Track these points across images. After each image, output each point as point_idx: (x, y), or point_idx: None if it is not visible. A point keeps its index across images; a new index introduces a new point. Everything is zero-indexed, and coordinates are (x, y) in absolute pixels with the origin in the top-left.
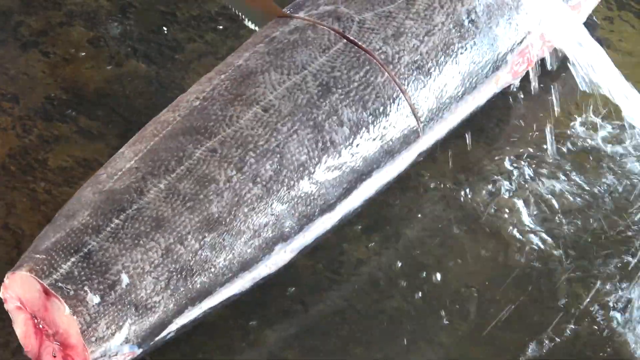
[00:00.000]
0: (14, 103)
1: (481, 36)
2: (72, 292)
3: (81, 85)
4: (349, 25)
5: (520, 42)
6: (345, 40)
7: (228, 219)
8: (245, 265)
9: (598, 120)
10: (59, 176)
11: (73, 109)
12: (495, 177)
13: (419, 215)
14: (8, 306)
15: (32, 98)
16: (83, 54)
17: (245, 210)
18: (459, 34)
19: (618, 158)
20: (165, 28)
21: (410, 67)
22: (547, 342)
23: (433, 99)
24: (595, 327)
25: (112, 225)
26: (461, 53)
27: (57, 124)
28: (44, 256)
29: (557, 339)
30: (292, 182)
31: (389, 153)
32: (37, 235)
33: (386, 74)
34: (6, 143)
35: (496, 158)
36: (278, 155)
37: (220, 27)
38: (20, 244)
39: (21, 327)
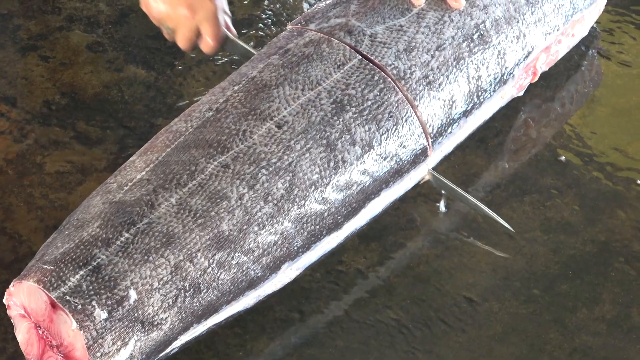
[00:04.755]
0: (12, 107)
1: (490, 51)
2: (79, 307)
3: (80, 90)
4: (360, 39)
5: (527, 57)
6: (360, 57)
7: (238, 238)
8: (252, 284)
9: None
10: (56, 181)
11: (71, 113)
12: (495, 188)
13: (418, 226)
14: (11, 313)
15: (30, 102)
16: (82, 58)
17: (256, 229)
18: (468, 48)
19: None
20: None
21: (421, 83)
22: (544, 355)
23: (443, 115)
24: (593, 341)
25: (122, 239)
26: (470, 68)
27: (55, 128)
28: (53, 267)
29: (555, 353)
30: (303, 201)
31: (398, 172)
32: (33, 240)
33: (400, 93)
34: (3, 147)
35: (496, 168)
36: (290, 174)
37: None
38: (17, 249)
39: (24, 334)
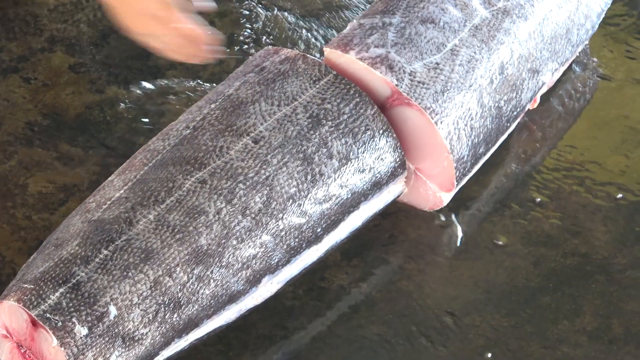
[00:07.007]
0: None
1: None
2: (60, 324)
3: (62, 111)
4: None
5: (538, 91)
6: (335, 72)
7: (217, 252)
8: (233, 298)
9: None
10: (39, 202)
11: (53, 134)
12: (476, 201)
13: (400, 241)
14: None
15: (13, 123)
16: (64, 79)
17: (234, 242)
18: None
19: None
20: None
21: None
22: None
23: None
24: (575, 353)
25: (101, 256)
26: (494, 106)
27: (38, 149)
28: (33, 286)
29: None
30: (281, 215)
31: (376, 185)
32: (17, 261)
33: (375, 106)
34: None
35: (477, 181)
36: (268, 188)
37: None
38: (0, 270)
39: (6, 355)
